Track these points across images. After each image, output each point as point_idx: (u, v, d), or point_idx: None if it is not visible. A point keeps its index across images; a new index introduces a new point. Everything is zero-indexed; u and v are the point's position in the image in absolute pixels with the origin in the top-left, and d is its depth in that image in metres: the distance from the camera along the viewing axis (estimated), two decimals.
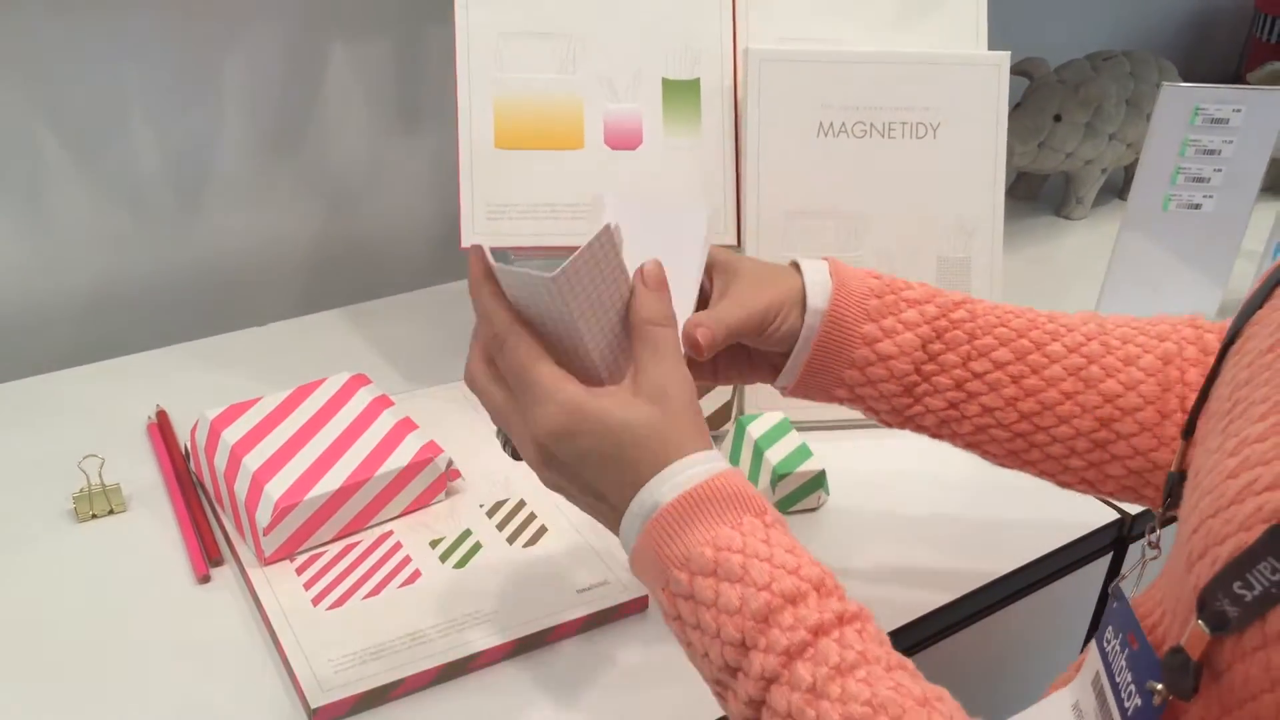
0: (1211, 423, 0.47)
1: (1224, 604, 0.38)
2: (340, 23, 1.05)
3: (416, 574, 0.71)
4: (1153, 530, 0.55)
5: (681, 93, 0.90)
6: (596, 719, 0.63)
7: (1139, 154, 1.02)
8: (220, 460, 0.75)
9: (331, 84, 1.07)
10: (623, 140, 0.89)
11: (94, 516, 0.77)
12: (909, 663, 0.46)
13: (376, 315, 1.06)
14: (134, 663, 0.65)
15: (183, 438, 0.84)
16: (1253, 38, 1.67)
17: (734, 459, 0.84)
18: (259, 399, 0.80)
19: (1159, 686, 0.42)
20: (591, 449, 0.49)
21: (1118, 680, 0.47)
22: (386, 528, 0.75)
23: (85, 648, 0.66)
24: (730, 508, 0.48)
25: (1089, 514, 0.81)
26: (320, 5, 1.03)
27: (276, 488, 0.71)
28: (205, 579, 0.71)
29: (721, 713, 0.61)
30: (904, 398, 0.62)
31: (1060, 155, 1.27)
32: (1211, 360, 0.60)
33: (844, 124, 0.88)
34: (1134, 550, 0.84)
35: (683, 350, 0.54)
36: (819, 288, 0.61)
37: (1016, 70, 1.26)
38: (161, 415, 0.87)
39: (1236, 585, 0.37)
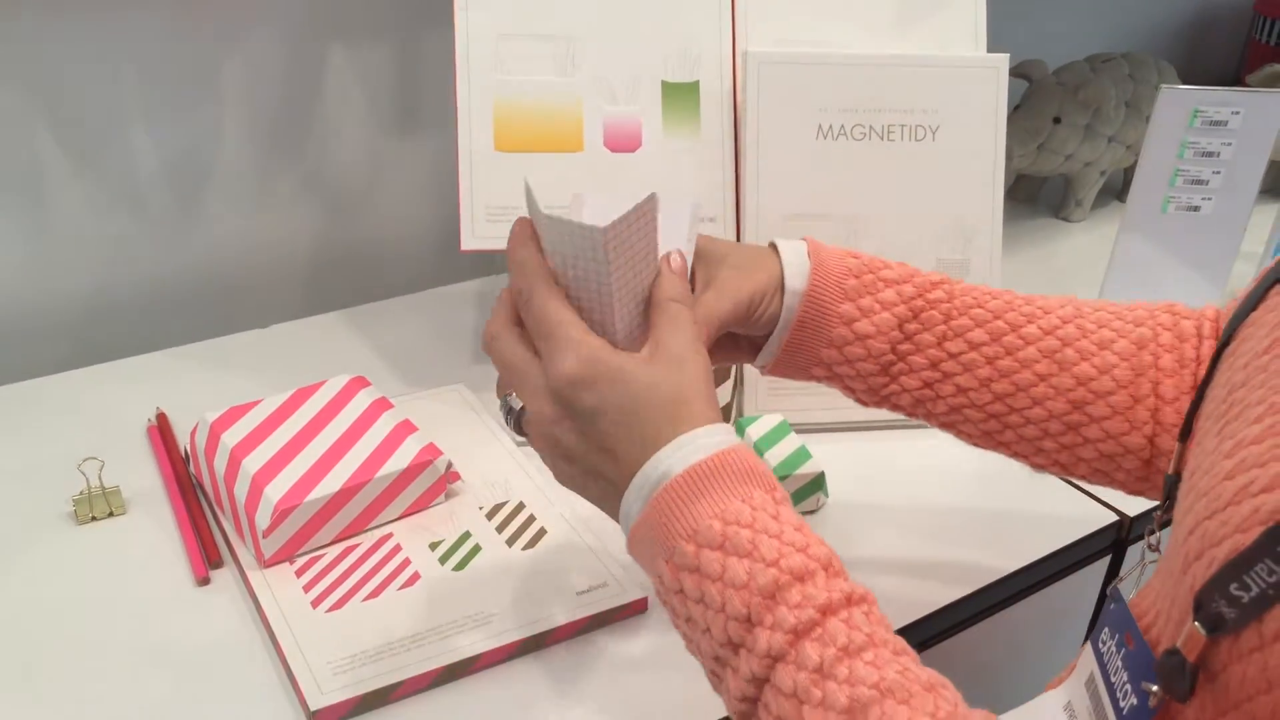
0: (1207, 424, 0.47)
1: (1221, 606, 0.38)
2: (340, 25, 1.05)
3: (416, 576, 0.71)
4: (1152, 533, 0.56)
5: (681, 95, 0.90)
6: None
7: (1138, 156, 1.02)
8: (220, 463, 0.75)
9: (331, 87, 1.07)
10: (622, 143, 0.89)
11: (94, 519, 0.77)
12: (912, 650, 0.46)
13: (376, 318, 1.06)
14: (133, 665, 0.65)
15: (182, 440, 0.84)
16: (1252, 40, 1.67)
17: None
18: (259, 401, 0.80)
19: (1154, 688, 0.42)
20: (609, 400, 0.49)
21: (1113, 680, 0.47)
22: (386, 530, 0.75)
23: (85, 650, 0.66)
24: (741, 482, 0.47)
25: (1088, 516, 0.82)
26: (320, 8, 1.03)
27: (276, 490, 0.71)
28: (205, 581, 0.72)
29: (721, 713, 0.62)
30: (880, 377, 0.63)
31: (1059, 157, 1.27)
32: (1187, 346, 0.60)
33: (843, 126, 0.88)
34: (1133, 552, 0.84)
35: None
36: (797, 268, 0.61)
37: (1015, 72, 1.26)
38: (161, 418, 0.87)
39: (1233, 587, 0.38)
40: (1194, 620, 0.39)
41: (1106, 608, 0.50)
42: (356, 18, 1.05)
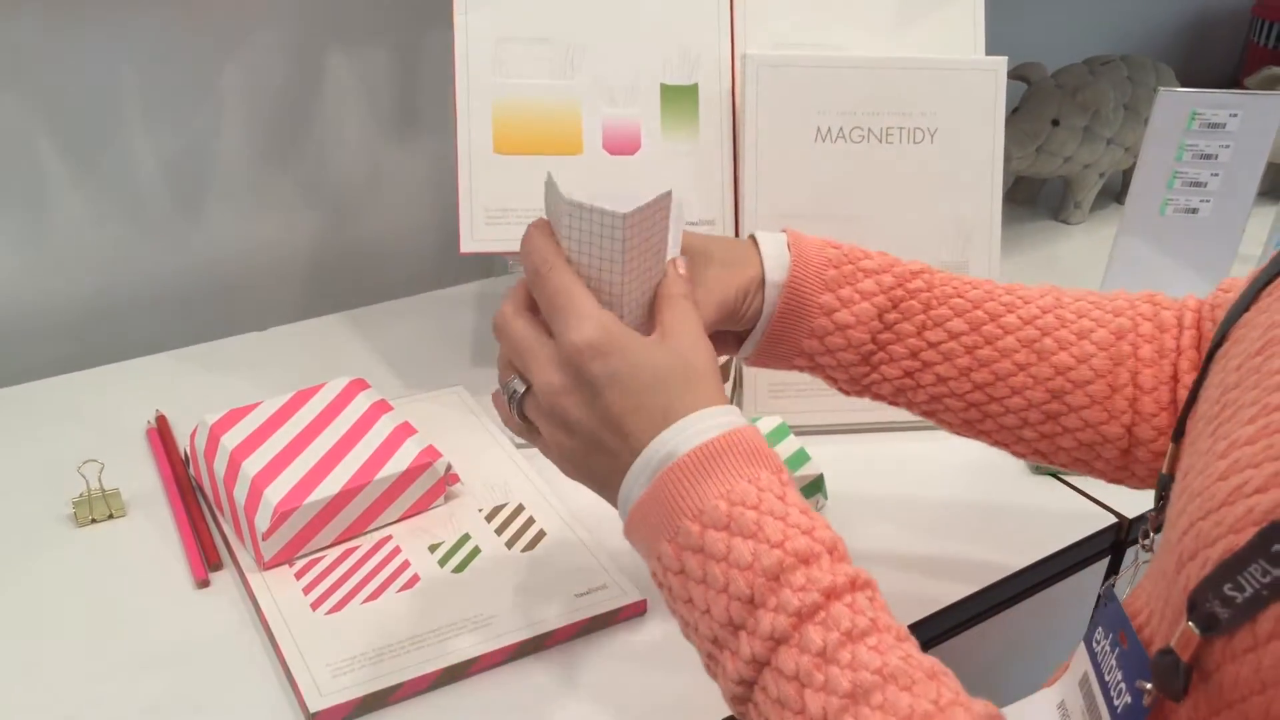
0: (1200, 425, 0.47)
1: (1214, 606, 0.38)
2: (339, 28, 1.05)
3: (415, 578, 0.71)
4: (1146, 534, 0.56)
5: (680, 98, 0.90)
6: None
7: (1136, 158, 1.02)
8: (219, 465, 0.75)
9: (331, 89, 1.07)
10: (621, 145, 0.89)
11: (93, 521, 0.77)
12: (914, 638, 0.46)
13: (376, 320, 1.06)
14: (133, 667, 0.65)
15: (182, 442, 0.84)
16: (1250, 43, 1.67)
17: None
18: (258, 404, 0.80)
19: (1148, 686, 0.42)
20: (620, 371, 0.49)
21: (1107, 679, 0.47)
22: (385, 532, 0.75)
23: (84, 652, 0.66)
24: (748, 463, 0.48)
25: (1087, 518, 0.82)
26: (319, 11, 1.03)
27: (275, 492, 0.71)
28: (204, 583, 0.72)
29: (720, 714, 0.62)
30: (861, 366, 0.63)
31: (1058, 159, 1.27)
32: (1166, 337, 0.61)
33: (841, 129, 0.88)
34: (1132, 554, 0.84)
35: None
36: (777, 260, 0.61)
37: (1014, 75, 1.26)
38: (161, 420, 0.87)
39: (1227, 587, 0.38)
40: (1188, 620, 0.39)
41: (1100, 607, 0.51)
42: (356, 20, 1.05)
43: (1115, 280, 1.06)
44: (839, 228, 0.89)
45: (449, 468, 0.77)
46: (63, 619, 0.69)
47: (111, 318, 1.04)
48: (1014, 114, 1.26)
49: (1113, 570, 0.85)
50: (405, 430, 0.78)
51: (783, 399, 0.89)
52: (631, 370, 0.49)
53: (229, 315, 1.08)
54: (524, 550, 0.74)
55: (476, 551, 0.74)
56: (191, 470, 0.81)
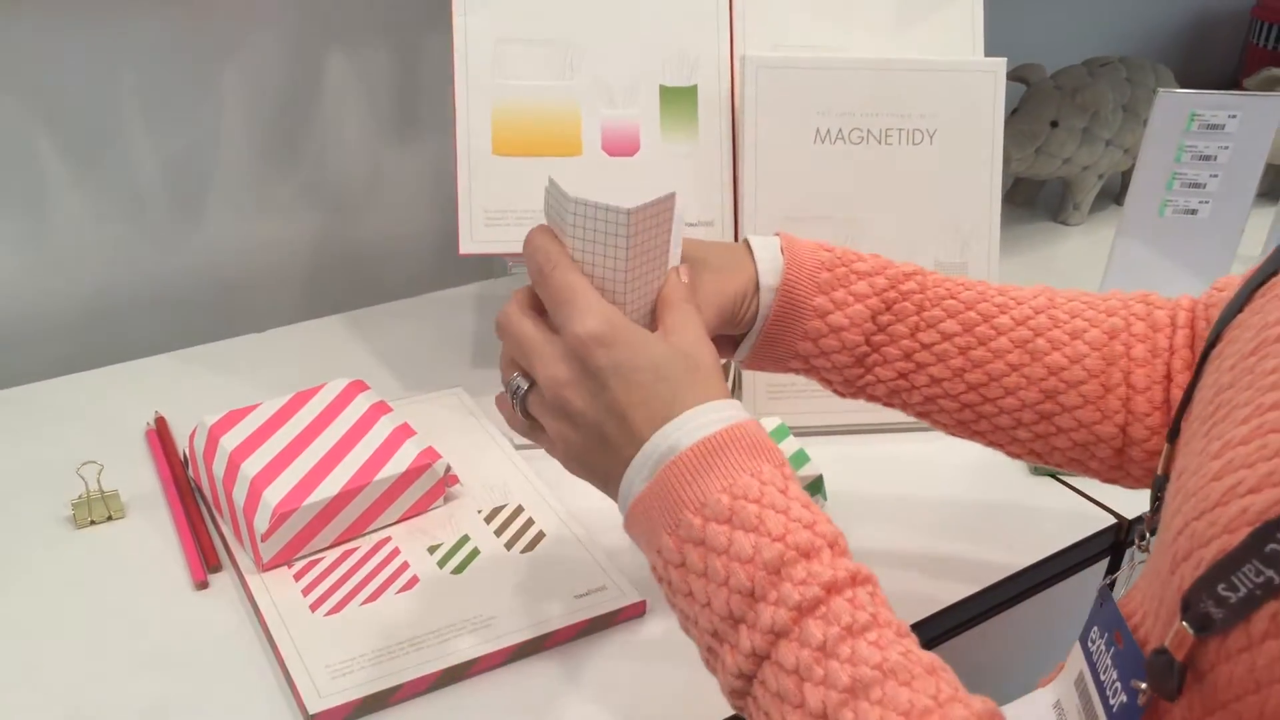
0: (1195, 426, 0.47)
1: (1208, 606, 0.38)
2: (339, 30, 1.05)
3: (414, 580, 0.71)
4: (1142, 535, 0.56)
5: (679, 99, 0.90)
6: None
7: (1135, 160, 1.02)
8: (218, 466, 0.75)
9: (330, 90, 1.07)
10: (620, 147, 0.89)
11: (92, 523, 0.77)
12: (913, 634, 0.46)
13: (375, 321, 1.06)
14: (132, 668, 0.65)
15: (181, 444, 0.84)
16: (1249, 44, 1.67)
17: None
18: (257, 405, 0.80)
19: (1143, 686, 0.42)
20: (625, 362, 0.49)
21: (1102, 678, 0.47)
22: (384, 533, 0.75)
23: (83, 654, 0.66)
24: (751, 456, 0.48)
25: (1086, 519, 0.82)
26: (319, 12, 1.03)
27: (274, 494, 0.71)
28: (203, 585, 0.72)
29: (719, 716, 0.62)
30: (855, 368, 0.63)
31: (1057, 161, 1.27)
32: (1160, 336, 0.61)
33: (841, 130, 0.88)
34: (1128, 555, 0.84)
35: None
36: (770, 264, 0.62)
37: (1013, 76, 1.26)
38: (160, 421, 0.87)
39: (1221, 587, 0.38)
40: (1182, 620, 0.39)
41: (1096, 607, 0.51)
42: (356, 22, 1.05)
43: (1114, 281, 1.06)
44: (838, 229, 0.89)
45: (448, 469, 0.77)
46: (62, 620, 0.69)
47: (111, 319, 1.04)
48: (1013, 115, 1.26)
49: (1112, 571, 0.85)
50: (404, 431, 0.78)
51: (782, 400, 0.89)
52: (636, 362, 0.49)
53: (228, 316, 1.08)
54: (523, 551, 0.74)
55: (476, 553, 0.74)
56: (190, 471, 0.80)
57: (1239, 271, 1.09)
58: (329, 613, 0.68)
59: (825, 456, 0.81)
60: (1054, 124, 1.25)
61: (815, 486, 0.79)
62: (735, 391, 0.90)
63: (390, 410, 0.81)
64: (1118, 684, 0.45)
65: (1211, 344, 0.51)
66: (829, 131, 0.88)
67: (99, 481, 0.78)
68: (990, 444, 0.65)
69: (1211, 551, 0.39)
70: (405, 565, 0.72)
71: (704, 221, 0.90)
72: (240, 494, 0.72)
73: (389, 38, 1.08)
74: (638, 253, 0.51)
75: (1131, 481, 0.63)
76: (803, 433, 0.85)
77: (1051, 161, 1.27)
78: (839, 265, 0.62)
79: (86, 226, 1.00)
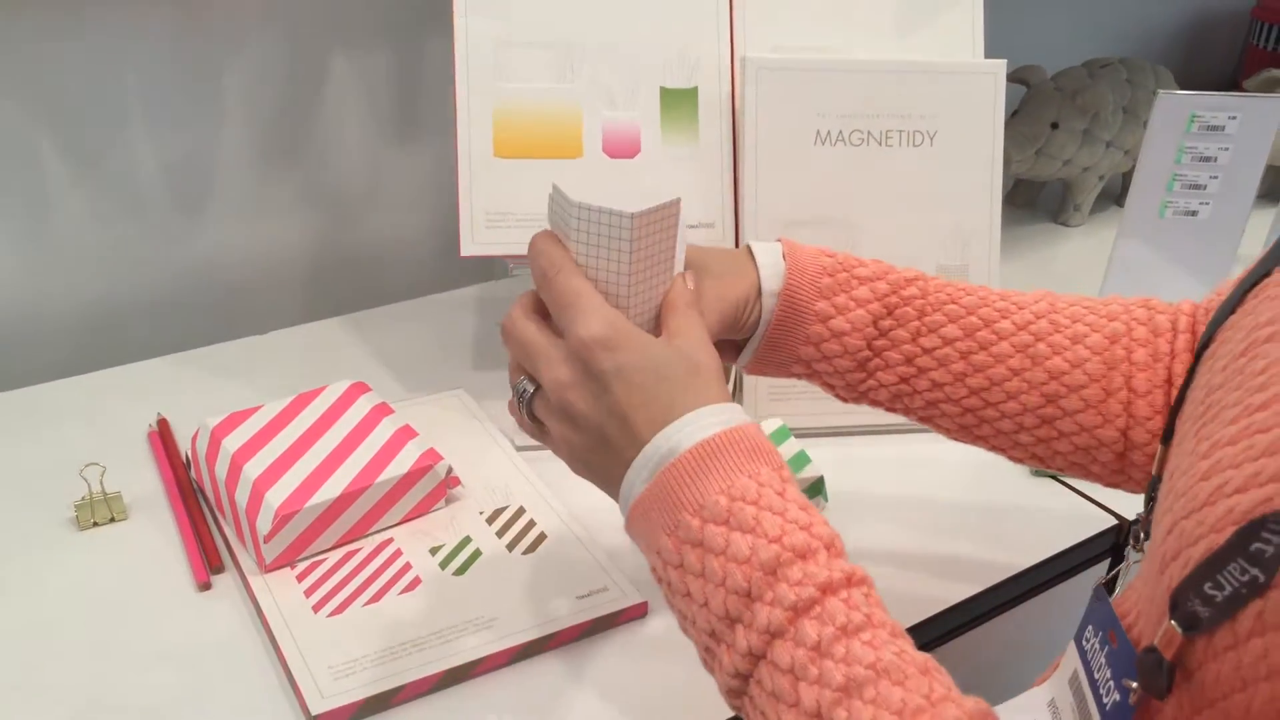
0: (1187, 426, 0.47)
1: (1196, 605, 0.39)
2: (341, 32, 1.05)
3: (417, 581, 0.71)
4: (1137, 536, 0.56)
5: (679, 101, 0.90)
6: None
7: (1136, 161, 1.02)
8: (221, 468, 0.75)
9: (332, 93, 1.07)
10: (621, 148, 0.90)
11: (95, 525, 0.77)
12: (908, 634, 0.46)
13: (376, 323, 1.06)
14: (135, 670, 0.65)
15: (184, 446, 0.84)
16: (1250, 45, 1.68)
17: None
18: (259, 407, 0.80)
19: (1134, 685, 0.43)
20: (628, 365, 0.50)
21: (1096, 677, 0.47)
22: (386, 535, 0.75)
23: (86, 655, 0.66)
24: (749, 458, 0.48)
25: (1087, 520, 0.82)
26: (320, 16, 1.03)
27: (277, 495, 0.71)
28: (206, 586, 0.72)
29: (721, 717, 0.62)
30: (858, 373, 0.64)
31: (1057, 162, 1.27)
32: (1161, 340, 0.61)
33: (841, 132, 0.89)
34: (1128, 556, 0.84)
35: None
36: (772, 270, 0.62)
37: (1013, 78, 1.26)
38: (162, 423, 0.88)
39: (1207, 586, 0.38)
40: (1170, 619, 0.40)
41: (1091, 606, 0.51)
42: (357, 24, 1.06)
43: (1115, 282, 1.06)
44: (838, 230, 0.90)
45: (450, 470, 0.77)
46: (64, 622, 0.69)
47: (112, 321, 1.04)
48: (1013, 117, 1.27)
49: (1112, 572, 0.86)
50: (406, 433, 0.78)
51: (784, 402, 0.89)
52: (638, 365, 0.50)
53: (230, 319, 1.08)
54: (525, 553, 0.74)
55: (478, 554, 0.74)
56: (193, 473, 0.81)
57: (1239, 273, 1.09)
58: (331, 614, 0.68)
59: (826, 458, 0.81)
60: (1054, 125, 1.25)
61: (817, 488, 0.79)
62: (736, 394, 0.91)
63: (392, 412, 0.81)
64: (1111, 683, 0.46)
65: (1204, 345, 0.51)
66: (829, 133, 0.89)
67: (101, 483, 0.78)
68: (993, 449, 0.65)
69: (1199, 551, 0.39)
70: (407, 566, 0.72)
71: (705, 223, 0.91)
72: (243, 495, 0.72)
73: (390, 40, 1.08)
74: (641, 257, 0.52)
75: (1133, 486, 0.64)
76: (804, 434, 0.86)
77: (1052, 163, 1.27)
78: (841, 270, 0.63)
79: (88, 228, 1.00)
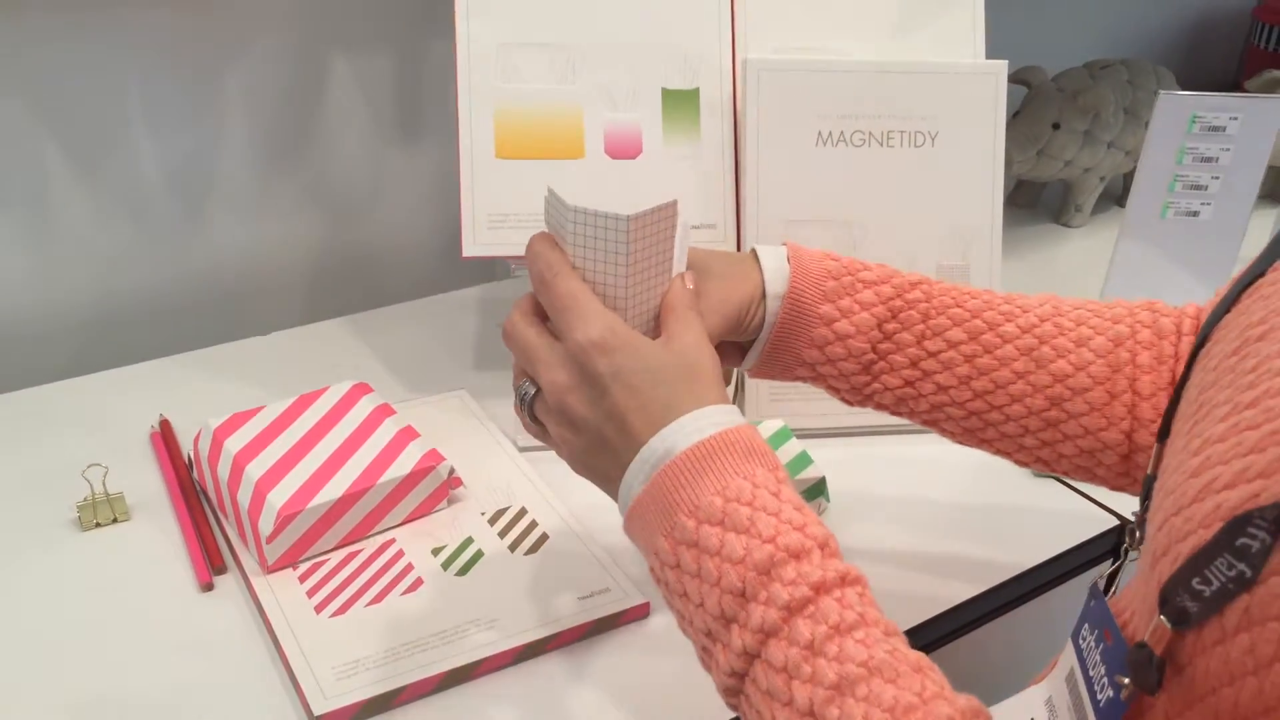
0: (1181, 424, 0.48)
1: (1184, 600, 0.39)
2: (342, 34, 1.05)
3: (419, 582, 0.71)
4: (1133, 534, 0.56)
5: (681, 102, 0.90)
6: None
7: (1137, 162, 1.02)
8: (223, 469, 0.75)
9: (333, 95, 1.07)
10: (623, 150, 0.90)
11: (98, 525, 0.77)
12: (902, 633, 0.46)
13: (378, 324, 1.07)
14: (137, 670, 0.65)
15: (186, 446, 0.84)
16: (1250, 46, 1.68)
17: None
18: (261, 408, 0.80)
19: (1126, 680, 0.43)
20: (625, 368, 0.50)
21: (1091, 674, 0.48)
22: (388, 536, 0.75)
23: (89, 656, 0.66)
24: (745, 460, 0.49)
25: (1088, 520, 0.82)
26: (322, 18, 1.03)
27: (279, 496, 0.71)
28: (208, 587, 0.72)
29: (722, 718, 0.62)
30: (862, 376, 0.64)
31: (1059, 163, 1.27)
32: (1165, 343, 0.61)
33: (842, 133, 0.89)
34: (1126, 554, 0.84)
35: None
36: (776, 273, 0.62)
37: (1014, 78, 1.26)
38: (165, 424, 0.88)
39: (1195, 581, 0.38)
40: (1160, 615, 0.40)
41: (1087, 604, 0.51)
42: (358, 27, 1.06)
43: (1116, 283, 1.06)
44: (840, 231, 0.90)
45: (452, 471, 0.78)
46: (67, 622, 0.69)
47: (115, 322, 1.04)
48: (1015, 118, 1.27)
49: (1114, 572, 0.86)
50: (408, 434, 0.78)
51: (785, 402, 0.89)
52: (635, 368, 0.50)
53: (232, 320, 1.09)
54: (527, 553, 0.74)
55: (480, 555, 0.74)
56: (195, 474, 0.81)
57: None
58: (334, 614, 0.68)
59: (828, 459, 0.81)
60: (1055, 126, 1.25)
61: (819, 489, 0.79)
62: (738, 396, 0.91)
63: (394, 413, 0.81)
64: (1105, 680, 0.46)
65: (1200, 344, 0.51)
66: (830, 134, 0.89)
67: (104, 484, 0.78)
68: (998, 452, 0.65)
69: (1187, 546, 0.39)
70: (410, 567, 0.72)
71: (706, 224, 0.91)
72: (245, 496, 0.72)
73: (391, 42, 1.08)
74: (638, 259, 0.52)
75: (1139, 489, 0.64)
76: (806, 435, 0.86)
77: (1053, 164, 1.27)
78: (845, 274, 0.63)
79: (91, 230, 1.00)
